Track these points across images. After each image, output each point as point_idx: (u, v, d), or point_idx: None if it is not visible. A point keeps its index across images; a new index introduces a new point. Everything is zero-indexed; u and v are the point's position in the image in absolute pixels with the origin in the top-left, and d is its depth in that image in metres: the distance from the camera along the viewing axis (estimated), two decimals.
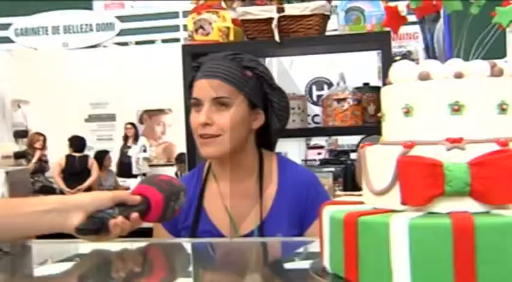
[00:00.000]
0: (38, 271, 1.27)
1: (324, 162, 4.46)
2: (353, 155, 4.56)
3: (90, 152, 8.13)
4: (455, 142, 0.83)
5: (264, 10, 2.58)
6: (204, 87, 1.52)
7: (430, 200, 0.82)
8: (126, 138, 8.72)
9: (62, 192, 7.40)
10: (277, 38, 2.54)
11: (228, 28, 2.68)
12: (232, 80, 1.52)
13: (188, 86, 1.62)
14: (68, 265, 1.29)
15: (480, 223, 0.77)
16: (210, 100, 1.51)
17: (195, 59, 2.57)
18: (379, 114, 0.95)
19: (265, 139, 1.66)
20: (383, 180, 0.87)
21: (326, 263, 0.93)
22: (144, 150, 8.60)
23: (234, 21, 2.70)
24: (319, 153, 5.02)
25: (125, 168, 8.38)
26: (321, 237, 0.95)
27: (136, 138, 8.77)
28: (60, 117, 8.53)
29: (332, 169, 3.45)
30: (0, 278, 1.18)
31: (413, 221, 0.79)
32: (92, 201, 1.10)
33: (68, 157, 7.80)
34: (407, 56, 4.55)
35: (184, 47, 2.75)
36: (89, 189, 7.56)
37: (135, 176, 7.98)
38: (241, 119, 1.53)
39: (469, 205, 0.82)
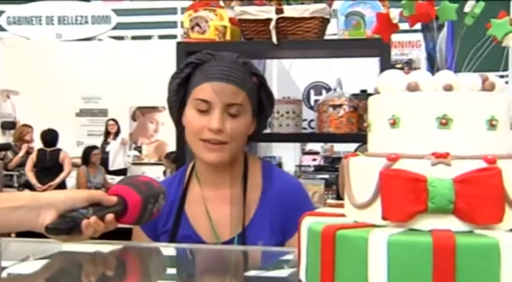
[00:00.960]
0: (7, 270, 1.25)
1: (318, 169, 4.46)
2: None
3: (79, 148, 8.10)
4: (441, 157, 0.81)
5: (262, 10, 2.56)
6: (219, 91, 1.47)
7: (412, 216, 0.81)
8: (107, 134, 8.69)
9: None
10: (274, 39, 2.53)
11: (225, 27, 2.67)
12: (246, 86, 1.49)
13: (179, 83, 1.54)
14: (39, 265, 1.27)
15: (462, 243, 0.76)
16: (224, 105, 1.47)
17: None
18: (365, 124, 0.93)
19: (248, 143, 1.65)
20: (365, 193, 0.86)
21: (302, 275, 0.92)
22: (137, 148, 8.60)
23: (231, 20, 2.68)
24: (314, 159, 5.01)
25: (103, 165, 8.33)
26: (298, 248, 0.94)
27: (117, 135, 8.75)
28: (50, 110, 8.52)
29: (326, 176, 3.44)
30: None
31: (392, 237, 0.78)
32: (66, 199, 1.08)
33: (39, 151, 7.66)
34: (409, 64, 4.55)
35: (179, 44, 2.72)
36: (61, 184, 7.45)
37: (124, 173, 7.96)
38: (247, 127, 1.52)
39: (452, 223, 0.81)
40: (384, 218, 0.82)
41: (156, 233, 1.60)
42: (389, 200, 0.81)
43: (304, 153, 5.41)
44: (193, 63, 1.54)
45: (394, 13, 0.93)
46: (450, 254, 0.75)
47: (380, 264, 0.78)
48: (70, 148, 7.99)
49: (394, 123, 0.87)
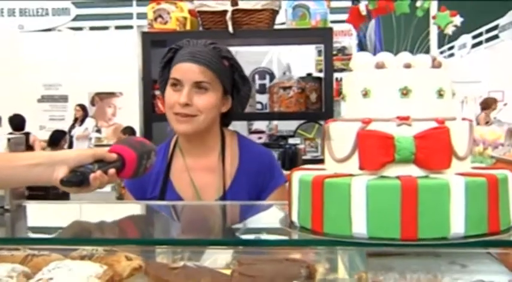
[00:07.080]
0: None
1: (265, 146, 4.58)
2: (291, 140, 4.69)
3: (41, 131, 7.95)
4: (404, 120, 0.96)
5: (219, 3, 2.65)
6: (188, 70, 1.58)
7: (383, 166, 0.95)
8: (75, 119, 8.60)
9: None
10: (230, 29, 2.62)
11: (185, 18, 2.74)
12: (213, 67, 1.59)
13: (162, 66, 1.67)
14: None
15: (422, 184, 0.90)
16: (192, 83, 1.58)
17: (154, 46, 2.64)
18: (340, 96, 1.06)
19: (226, 120, 1.75)
20: (344, 149, 0.99)
21: (294, 217, 1.04)
22: (98, 131, 8.50)
23: (190, 11, 2.76)
24: (259, 138, 5.12)
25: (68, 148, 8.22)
26: (289, 197, 1.07)
27: (83, 120, 8.65)
28: (13, 97, 8.35)
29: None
30: (2, 230, 1.24)
31: (370, 182, 0.92)
32: (76, 156, 1.15)
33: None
34: (342, 50, 4.73)
35: (144, 34, 2.79)
36: None
37: None
38: (215, 103, 1.61)
39: (413, 170, 0.95)
40: (361, 168, 0.96)
41: (145, 198, 1.68)
42: (365, 153, 0.95)
43: (251, 132, 5.51)
44: (173, 48, 1.66)
45: (363, 7, 1.05)
46: (414, 193, 0.90)
47: (360, 203, 0.92)
48: (34, 132, 7.82)
49: (365, 94, 1.00)
